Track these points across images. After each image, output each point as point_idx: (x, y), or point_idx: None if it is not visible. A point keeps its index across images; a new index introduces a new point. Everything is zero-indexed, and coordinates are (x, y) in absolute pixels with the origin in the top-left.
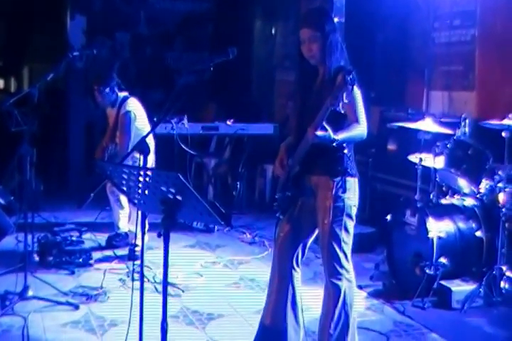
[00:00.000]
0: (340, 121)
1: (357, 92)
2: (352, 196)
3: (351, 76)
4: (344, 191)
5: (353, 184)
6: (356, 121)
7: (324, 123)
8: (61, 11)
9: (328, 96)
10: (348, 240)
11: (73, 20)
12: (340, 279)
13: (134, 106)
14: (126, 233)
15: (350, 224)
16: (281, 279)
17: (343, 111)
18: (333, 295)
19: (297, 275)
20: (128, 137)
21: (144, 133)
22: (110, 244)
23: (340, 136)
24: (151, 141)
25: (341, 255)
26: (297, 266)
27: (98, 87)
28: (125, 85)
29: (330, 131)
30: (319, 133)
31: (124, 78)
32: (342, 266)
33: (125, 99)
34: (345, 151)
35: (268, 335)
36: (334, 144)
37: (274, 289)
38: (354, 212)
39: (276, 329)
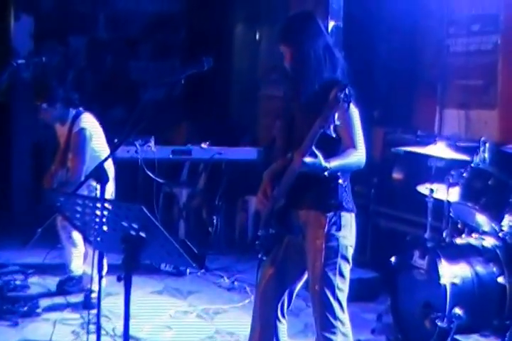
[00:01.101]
0: (335, 147)
1: (353, 111)
2: (348, 234)
3: (346, 92)
4: (338, 228)
5: (349, 220)
6: (352, 145)
7: (314, 149)
8: (3, 9)
9: (319, 115)
10: (343, 286)
11: (18, 21)
12: (334, 333)
13: (90, 123)
14: (80, 276)
15: (346, 268)
16: (264, 331)
17: (334, 135)
18: None
19: (283, 327)
20: (82, 160)
21: (102, 157)
22: (61, 290)
23: (333, 164)
24: (110, 167)
25: (335, 304)
26: (283, 316)
27: (39, 103)
28: (80, 100)
29: (320, 158)
30: (308, 159)
31: (79, 92)
32: (336, 318)
33: (79, 113)
34: (340, 181)
35: None
36: (326, 173)
37: None
38: (350, 253)
39: None
